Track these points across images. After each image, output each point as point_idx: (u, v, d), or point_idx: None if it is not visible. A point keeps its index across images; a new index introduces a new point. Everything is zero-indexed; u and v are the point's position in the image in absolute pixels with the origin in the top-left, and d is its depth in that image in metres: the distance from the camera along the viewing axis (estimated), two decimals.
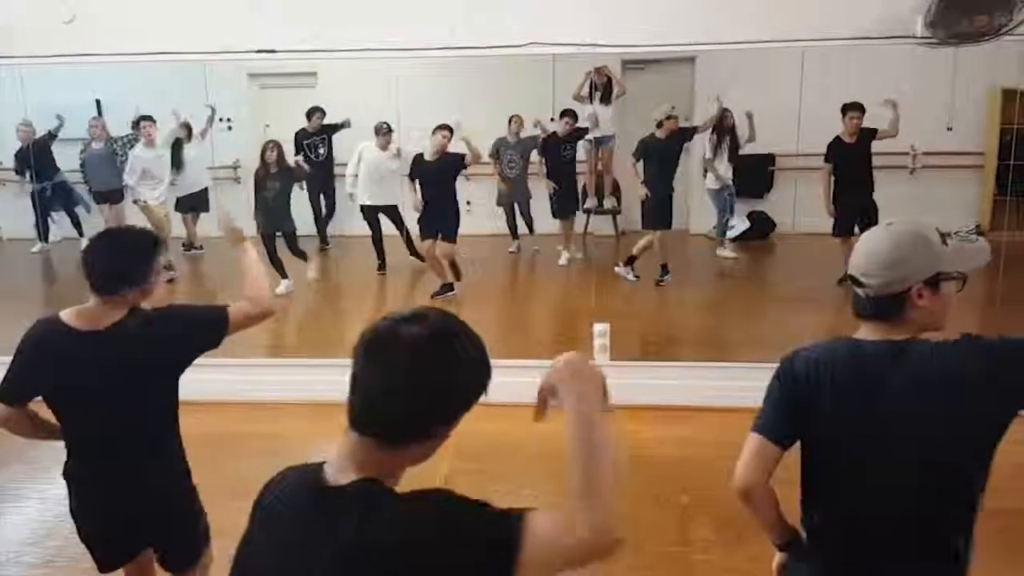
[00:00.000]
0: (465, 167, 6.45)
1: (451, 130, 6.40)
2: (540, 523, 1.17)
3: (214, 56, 4.96)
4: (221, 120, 7.33)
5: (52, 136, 7.13)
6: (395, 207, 7.19)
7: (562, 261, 7.45)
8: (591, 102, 7.42)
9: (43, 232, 7.64)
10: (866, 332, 1.75)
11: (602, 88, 7.38)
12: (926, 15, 4.35)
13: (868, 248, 1.73)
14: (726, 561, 3.27)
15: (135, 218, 6.93)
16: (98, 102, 7.70)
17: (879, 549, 1.72)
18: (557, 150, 7.34)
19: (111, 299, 2.25)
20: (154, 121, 6.97)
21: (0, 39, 4.85)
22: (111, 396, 2.24)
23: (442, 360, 1.23)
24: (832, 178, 6.48)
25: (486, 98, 7.17)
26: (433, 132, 6.41)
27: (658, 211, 6.72)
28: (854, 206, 6.34)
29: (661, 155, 6.63)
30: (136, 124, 7.06)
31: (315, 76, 7.52)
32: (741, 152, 7.21)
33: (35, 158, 7.09)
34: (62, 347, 2.24)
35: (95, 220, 7.32)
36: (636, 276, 6.82)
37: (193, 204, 7.52)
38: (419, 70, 6.68)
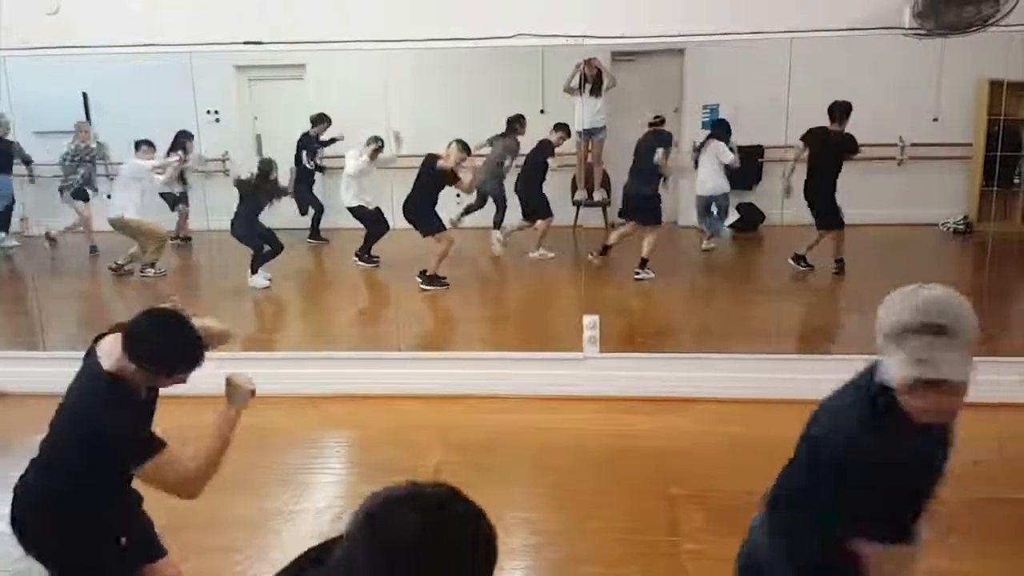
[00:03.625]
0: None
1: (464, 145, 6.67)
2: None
3: (200, 47, 4.93)
4: (208, 112, 7.30)
5: None
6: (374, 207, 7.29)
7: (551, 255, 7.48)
8: (581, 94, 7.41)
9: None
10: None
11: (592, 80, 7.37)
12: (914, 6, 4.36)
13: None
14: (716, 551, 3.28)
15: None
16: (85, 95, 7.62)
17: None
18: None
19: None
20: (153, 147, 7.13)
21: None
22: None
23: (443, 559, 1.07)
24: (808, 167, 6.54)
25: (474, 90, 7.16)
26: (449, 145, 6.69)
27: (646, 206, 6.82)
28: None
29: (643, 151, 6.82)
30: (137, 147, 7.13)
31: (303, 68, 7.47)
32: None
33: None
34: None
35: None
36: (636, 275, 6.85)
37: (176, 199, 7.72)
38: (408, 61, 6.64)
